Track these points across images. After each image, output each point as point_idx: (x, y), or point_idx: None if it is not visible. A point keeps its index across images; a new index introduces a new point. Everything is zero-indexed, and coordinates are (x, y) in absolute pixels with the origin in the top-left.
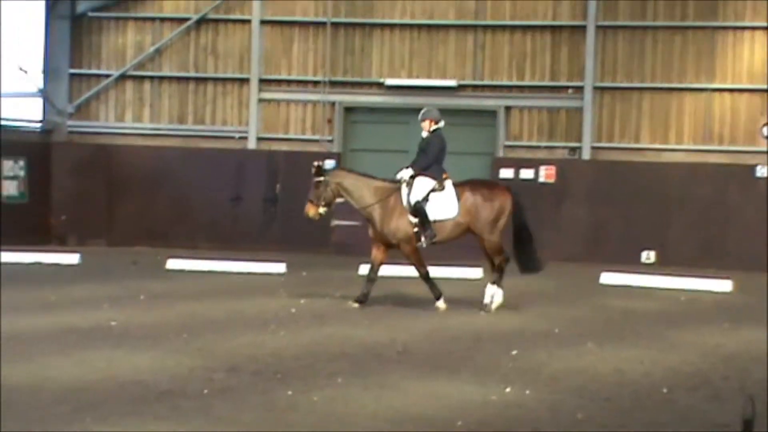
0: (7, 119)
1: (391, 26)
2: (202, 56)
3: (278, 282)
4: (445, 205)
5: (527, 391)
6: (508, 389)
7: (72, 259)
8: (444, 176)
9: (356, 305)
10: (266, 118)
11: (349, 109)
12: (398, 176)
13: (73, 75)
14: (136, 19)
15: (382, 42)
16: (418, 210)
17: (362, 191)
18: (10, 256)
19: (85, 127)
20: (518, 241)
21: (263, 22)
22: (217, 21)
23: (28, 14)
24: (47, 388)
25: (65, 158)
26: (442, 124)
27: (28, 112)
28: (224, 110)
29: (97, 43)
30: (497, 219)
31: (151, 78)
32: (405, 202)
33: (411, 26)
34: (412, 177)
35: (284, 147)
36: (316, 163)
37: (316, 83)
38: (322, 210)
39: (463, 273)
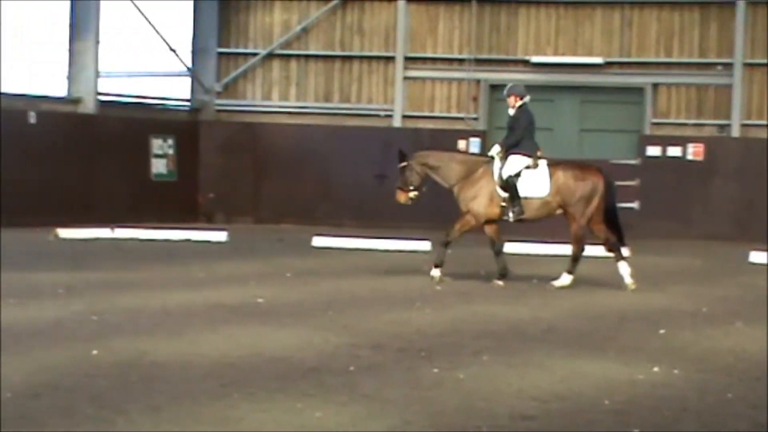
0: (157, 98)
1: (537, 3)
2: (348, 34)
3: (423, 259)
4: (536, 183)
5: (675, 371)
6: (655, 368)
7: (220, 236)
8: (538, 152)
9: (501, 283)
10: (411, 96)
11: (494, 87)
12: (490, 153)
13: (220, 54)
14: None
15: (528, 19)
16: (508, 184)
17: (450, 164)
18: (159, 234)
19: (233, 105)
20: (606, 223)
21: (409, 0)
22: None
23: None
24: (196, 363)
25: (213, 136)
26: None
27: (177, 91)
28: (370, 88)
29: (244, 22)
30: (589, 200)
31: (298, 56)
32: (497, 177)
33: (557, 3)
34: (499, 153)
35: (429, 125)
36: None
37: (461, 61)
38: (412, 194)
39: (604, 252)
